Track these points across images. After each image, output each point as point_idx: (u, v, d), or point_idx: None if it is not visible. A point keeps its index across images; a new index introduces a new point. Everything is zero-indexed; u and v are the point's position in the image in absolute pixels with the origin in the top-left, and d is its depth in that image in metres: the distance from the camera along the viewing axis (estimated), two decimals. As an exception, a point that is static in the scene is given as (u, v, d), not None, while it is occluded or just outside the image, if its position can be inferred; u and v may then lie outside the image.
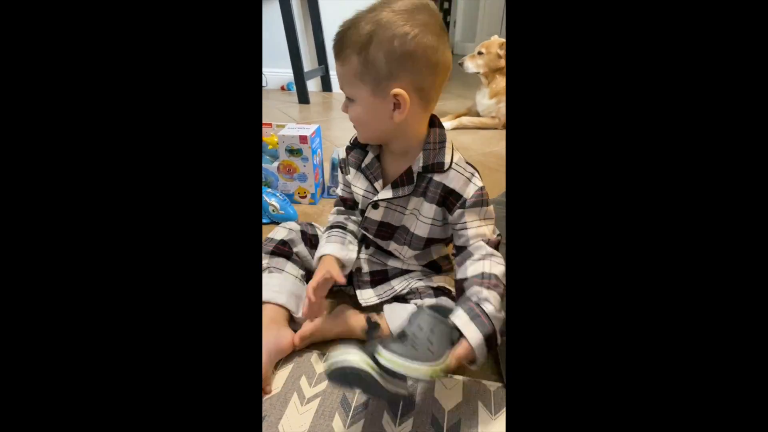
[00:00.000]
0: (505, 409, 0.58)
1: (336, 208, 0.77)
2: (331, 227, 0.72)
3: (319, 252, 0.68)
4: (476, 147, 1.77)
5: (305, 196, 1.17)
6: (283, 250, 0.76)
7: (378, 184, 0.66)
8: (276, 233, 0.78)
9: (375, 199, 0.66)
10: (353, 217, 0.75)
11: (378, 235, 0.71)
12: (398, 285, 0.73)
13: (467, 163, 0.64)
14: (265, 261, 0.74)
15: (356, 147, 0.68)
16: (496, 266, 0.59)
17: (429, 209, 0.65)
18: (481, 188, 0.62)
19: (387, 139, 0.62)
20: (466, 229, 0.62)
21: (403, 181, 0.63)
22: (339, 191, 0.75)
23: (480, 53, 2.05)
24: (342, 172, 0.72)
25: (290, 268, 0.74)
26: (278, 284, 0.70)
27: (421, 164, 0.62)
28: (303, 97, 2.34)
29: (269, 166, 1.16)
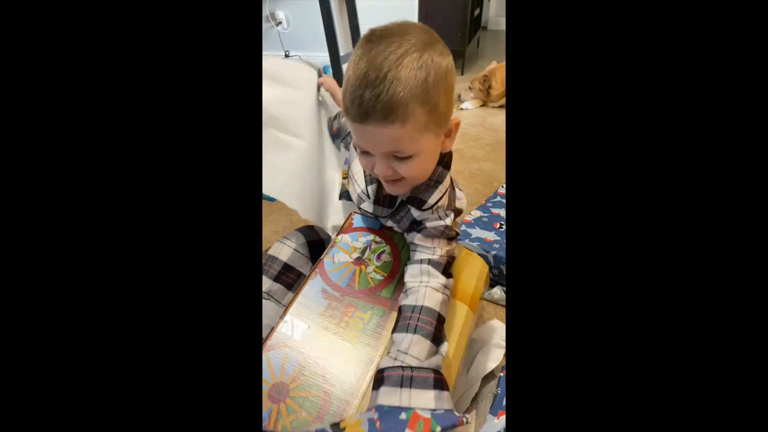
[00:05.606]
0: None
1: None
2: None
3: None
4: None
5: (345, 177, 1.32)
6: (287, 278, 0.69)
7: (371, 190, 0.63)
8: (280, 251, 0.71)
9: (360, 207, 0.66)
10: None
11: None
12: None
13: (451, 208, 0.61)
14: (266, 285, 0.68)
15: None
16: (431, 296, 0.55)
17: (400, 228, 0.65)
18: (446, 226, 0.59)
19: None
20: (416, 250, 0.61)
21: (385, 202, 0.62)
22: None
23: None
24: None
25: (288, 300, 0.66)
26: (272, 315, 0.65)
27: (407, 195, 0.60)
28: (339, 80, 2.46)
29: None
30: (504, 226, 0.95)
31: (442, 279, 0.58)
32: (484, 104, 2.08)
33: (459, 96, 2.12)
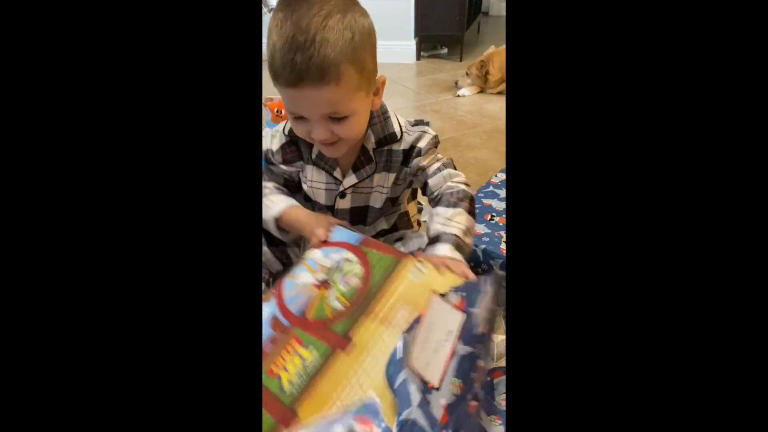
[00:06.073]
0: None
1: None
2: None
3: (281, 204, 0.63)
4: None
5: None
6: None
7: (338, 173, 0.63)
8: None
9: (342, 189, 0.64)
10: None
11: (353, 223, 0.65)
12: None
13: (414, 123, 0.64)
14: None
15: (299, 139, 0.61)
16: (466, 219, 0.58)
17: (390, 178, 0.64)
18: (435, 136, 0.63)
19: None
20: (427, 173, 0.62)
21: (362, 162, 0.62)
22: (270, 186, 0.67)
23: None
24: (276, 164, 0.66)
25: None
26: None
27: (373, 140, 0.60)
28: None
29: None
30: (495, 218, 0.88)
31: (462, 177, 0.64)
32: (481, 91, 2.00)
33: (456, 83, 2.04)
